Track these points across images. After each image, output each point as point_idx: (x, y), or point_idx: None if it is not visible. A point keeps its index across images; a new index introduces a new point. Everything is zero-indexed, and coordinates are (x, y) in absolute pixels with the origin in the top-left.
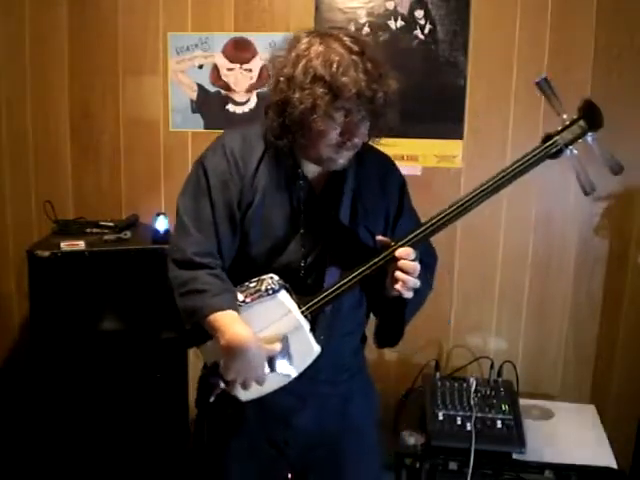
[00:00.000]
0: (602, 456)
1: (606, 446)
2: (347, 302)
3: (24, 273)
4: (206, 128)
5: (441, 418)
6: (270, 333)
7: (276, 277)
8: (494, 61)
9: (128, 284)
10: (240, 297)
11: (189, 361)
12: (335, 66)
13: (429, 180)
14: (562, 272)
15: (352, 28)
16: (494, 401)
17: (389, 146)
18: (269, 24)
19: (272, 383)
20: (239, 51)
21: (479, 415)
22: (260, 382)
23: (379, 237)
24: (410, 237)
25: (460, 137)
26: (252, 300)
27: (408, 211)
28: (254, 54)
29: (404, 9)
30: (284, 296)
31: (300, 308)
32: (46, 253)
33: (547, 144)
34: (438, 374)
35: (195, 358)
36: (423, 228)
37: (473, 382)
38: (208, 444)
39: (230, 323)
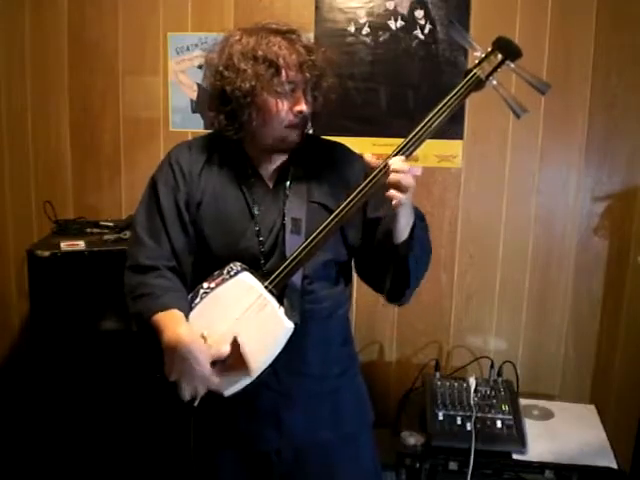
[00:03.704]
0: (602, 456)
1: (606, 446)
2: (319, 276)
3: (24, 273)
4: (206, 128)
5: (441, 418)
6: (224, 329)
7: (239, 263)
8: None
9: None
10: (205, 285)
11: None
12: (271, 44)
13: (429, 180)
14: (562, 272)
15: (352, 28)
16: (494, 401)
17: (390, 146)
18: None
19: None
20: None
21: (479, 415)
22: (208, 383)
23: (367, 157)
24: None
25: (460, 137)
26: (216, 285)
27: None
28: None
29: (404, 9)
30: (246, 275)
31: (263, 284)
32: (46, 253)
33: (468, 77)
34: (438, 374)
35: None
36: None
37: (473, 382)
38: (197, 457)
39: (170, 323)
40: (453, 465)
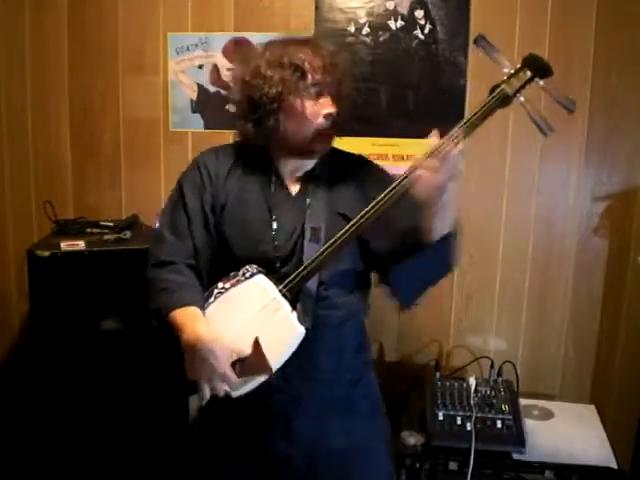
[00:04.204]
0: (602, 456)
1: (606, 446)
2: (335, 283)
3: (24, 273)
4: (206, 128)
5: (441, 418)
6: (237, 329)
7: (255, 265)
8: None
9: (128, 284)
10: (220, 285)
11: None
12: (296, 50)
13: None
14: (562, 272)
15: (352, 28)
16: (494, 401)
17: (390, 146)
18: (269, 24)
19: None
20: (239, 51)
21: (479, 415)
22: (228, 382)
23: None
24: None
25: None
26: (231, 285)
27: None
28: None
29: (404, 9)
30: (261, 278)
31: (278, 287)
32: (46, 253)
33: (496, 92)
34: (438, 374)
35: None
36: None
37: (473, 382)
38: (206, 462)
39: (188, 321)
40: (453, 465)
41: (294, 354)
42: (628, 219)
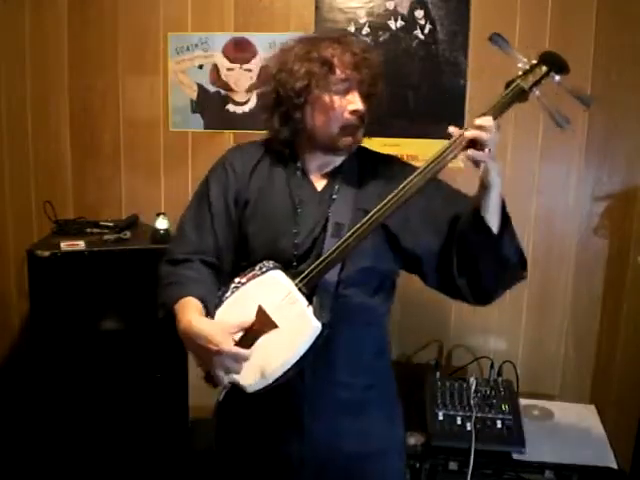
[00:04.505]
0: (602, 456)
1: (606, 446)
2: (355, 283)
3: (24, 273)
4: (206, 128)
5: (441, 418)
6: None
7: (272, 261)
8: (494, 61)
9: (128, 284)
10: (236, 279)
11: (189, 361)
12: (325, 45)
13: None
14: (562, 272)
15: (352, 28)
16: (494, 401)
17: (390, 146)
18: (269, 24)
19: (273, 369)
20: (239, 51)
21: (479, 415)
22: (238, 358)
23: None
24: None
25: None
26: (247, 280)
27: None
28: (254, 54)
29: (404, 9)
30: (277, 272)
31: (294, 281)
32: (46, 253)
33: (512, 86)
34: (438, 374)
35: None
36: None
37: (473, 382)
38: (220, 457)
39: (184, 310)
40: (453, 465)
41: (309, 353)
42: (628, 219)
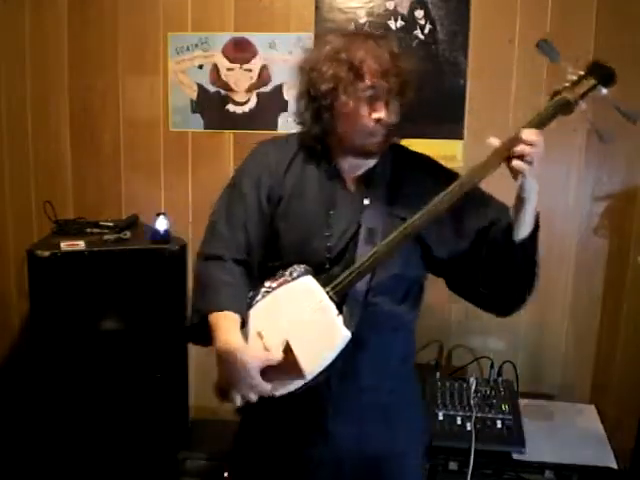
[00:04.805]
0: (602, 456)
1: (606, 446)
2: (384, 291)
3: (24, 273)
4: (206, 128)
5: (441, 418)
6: (281, 330)
7: (303, 265)
8: (494, 61)
9: (128, 284)
10: (267, 283)
11: (189, 361)
12: (357, 48)
13: None
14: (562, 272)
15: (352, 28)
16: (494, 401)
17: None
18: (269, 24)
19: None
20: (239, 51)
21: (479, 415)
22: (259, 392)
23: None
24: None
25: (460, 137)
26: (278, 285)
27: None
28: (254, 54)
29: (404, 9)
30: (308, 279)
31: (325, 289)
32: (46, 253)
33: (557, 98)
34: (438, 374)
35: (195, 358)
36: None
37: (473, 382)
38: (242, 456)
39: (222, 328)
40: (453, 465)
41: (337, 359)
42: (628, 219)
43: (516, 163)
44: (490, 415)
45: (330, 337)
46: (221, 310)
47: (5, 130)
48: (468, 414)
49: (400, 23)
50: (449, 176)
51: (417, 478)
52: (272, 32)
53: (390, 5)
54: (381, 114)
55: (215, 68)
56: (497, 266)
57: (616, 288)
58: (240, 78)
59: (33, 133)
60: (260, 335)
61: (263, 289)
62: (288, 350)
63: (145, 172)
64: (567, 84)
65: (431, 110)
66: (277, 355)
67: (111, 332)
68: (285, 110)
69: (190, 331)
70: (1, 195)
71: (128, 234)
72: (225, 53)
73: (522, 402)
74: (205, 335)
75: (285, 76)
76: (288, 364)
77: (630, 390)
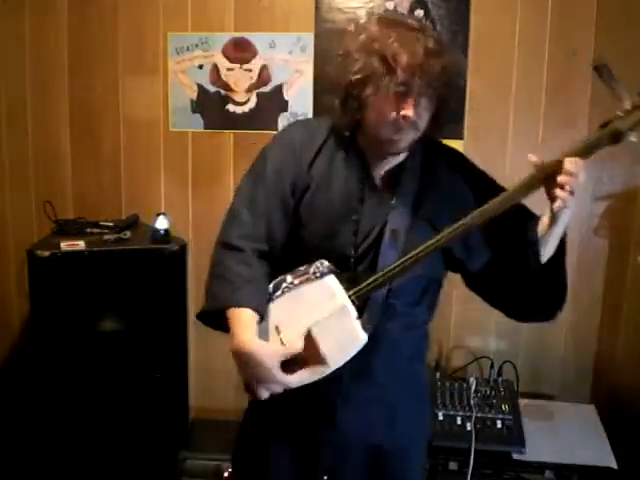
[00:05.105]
0: (602, 456)
1: (606, 446)
2: (403, 291)
3: (24, 273)
4: (206, 128)
5: (441, 418)
6: (300, 329)
7: (326, 262)
8: (494, 61)
9: (128, 284)
10: (289, 279)
11: (189, 361)
12: (392, 40)
13: None
14: None
15: (352, 28)
16: (494, 401)
17: None
18: (269, 24)
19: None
20: (239, 51)
21: (479, 415)
22: (279, 385)
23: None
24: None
25: (460, 137)
26: (300, 282)
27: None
28: (254, 54)
29: (404, 9)
30: (331, 279)
31: (347, 292)
32: (46, 253)
33: (608, 127)
34: (438, 374)
35: (195, 358)
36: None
37: (473, 382)
38: (252, 443)
39: (238, 326)
40: (453, 465)
41: (352, 359)
42: (628, 219)
43: (558, 193)
44: (490, 415)
45: (348, 340)
46: (239, 307)
47: (5, 130)
48: (468, 414)
49: None
50: (479, 177)
51: (418, 475)
52: (272, 32)
53: (390, 5)
54: (409, 112)
55: (215, 68)
56: (519, 281)
57: (616, 288)
58: (240, 78)
59: (33, 133)
60: (278, 330)
61: (284, 284)
62: (309, 340)
63: (145, 172)
64: (620, 113)
65: None
66: (298, 345)
67: (111, 332)
68: (285, 110)
69: (203, 315)
70: (1, 195)
71: (128, 234)
72: (225, 53)
73: (522, 402)
74: (218, 321)
75: (285, 76)
76: (310, 356)
77: (630, 390)
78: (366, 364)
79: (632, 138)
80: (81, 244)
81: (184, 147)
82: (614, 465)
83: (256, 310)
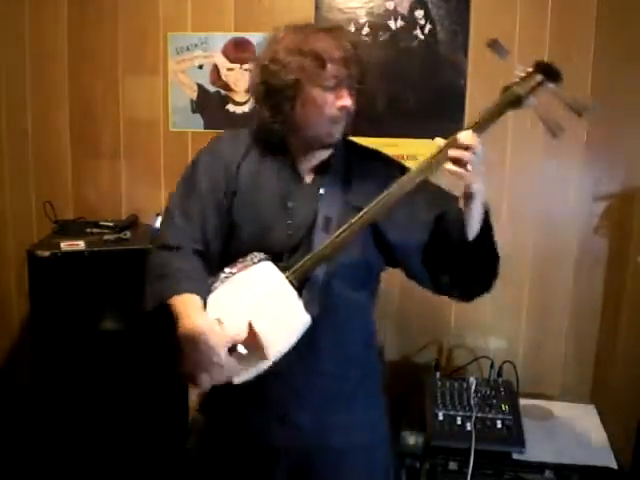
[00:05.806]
0: (602, 456)
1: (606, 446)
2: (343, 276)
3: (24, 273)
4: (206, 128)
5: (441, 418)
6: (242, 313)
7: (262, 253)
8: (494, 61)
9: (128, 284)
10: (227, 270)
11: None
12: (317, 39)
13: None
14: (562, 272)
15: (352, 28)
16: (494, 401)
17: (389, 146)
18: (269, 24)
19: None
20: (239, 51)
21: (479, 415)
22: (227, 370)
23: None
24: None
25: None
26: (237, 270)
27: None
28: (254, 54)
29: (404, 9)
30: (267, 264)
31: (285, 274)
32: (46, 253)
33: (507, 92)
34: (438, 374)
35: None
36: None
37: (473, 382)
38: (205, 449)
39: (186, 310)
40: (453, 465)
41: (297, 346)
42: (628, 219)
43: (449, 168)
44: (490, 415)
45: (290, 321)
46: (181, 294)
47: (5, 130)
48: (468, 414)
49: (400, 23)
50: (399, 167)
51: (385, 467)
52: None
53: (390, 5)
54: (346, 101)
55: (215, 68)
56: (454, 258)
57: (616, 288)
58: (240, 78)
59: (33, 133)
60: (220, 322)
61: (222, 275)
62: (251, 331)
63: (145, 172)
64: (518, 79)
65: (431, 110)
66: (242, 334)
67: (111, 332)
68: None
69: (146, 320)
70: (1, 195)
71: (128, 234)
72: (225, 53)
73: (522, 402)
74: (163, 325)
75: None
76: (251, 346)
77: (630, 390)
78: (314, 352)
79: (533, 101)
80: (81, 244)
81: (184, 147)
82: (614, 465)
83: (199, 295)
